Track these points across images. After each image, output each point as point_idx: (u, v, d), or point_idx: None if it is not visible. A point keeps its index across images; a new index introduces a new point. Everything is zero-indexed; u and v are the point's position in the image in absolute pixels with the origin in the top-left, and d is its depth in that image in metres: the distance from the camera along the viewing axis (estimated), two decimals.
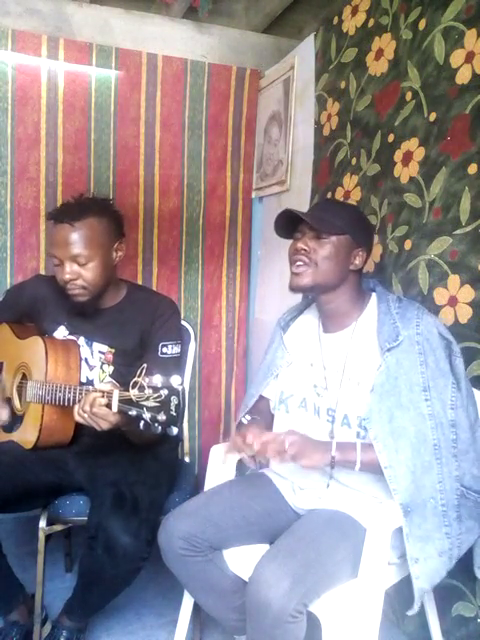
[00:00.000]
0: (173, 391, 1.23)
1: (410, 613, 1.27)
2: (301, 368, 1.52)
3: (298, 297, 1.74)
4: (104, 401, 1.33)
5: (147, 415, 1.21)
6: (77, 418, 1.39)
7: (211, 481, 1.60)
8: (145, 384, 1.23)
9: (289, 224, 1.48)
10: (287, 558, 1.21)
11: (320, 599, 1.23)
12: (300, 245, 1.43)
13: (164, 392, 1.22)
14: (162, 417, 1.21)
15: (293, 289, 1.47)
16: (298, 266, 1.43)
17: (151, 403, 1.21)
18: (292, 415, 1.52)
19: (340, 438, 1.39)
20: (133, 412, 1.23)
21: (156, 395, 1.21)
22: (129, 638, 1.79)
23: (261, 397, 1.61)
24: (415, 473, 1.25)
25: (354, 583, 1.26)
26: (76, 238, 1.58)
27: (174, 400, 1.22)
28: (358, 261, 1.45)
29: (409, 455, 1.26)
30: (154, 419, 1.21)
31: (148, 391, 1.22)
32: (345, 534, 1.30)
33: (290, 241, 1.50)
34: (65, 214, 1.60)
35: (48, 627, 1.67)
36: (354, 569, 1.26)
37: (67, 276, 1.60)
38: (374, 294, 1.48)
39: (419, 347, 1.33)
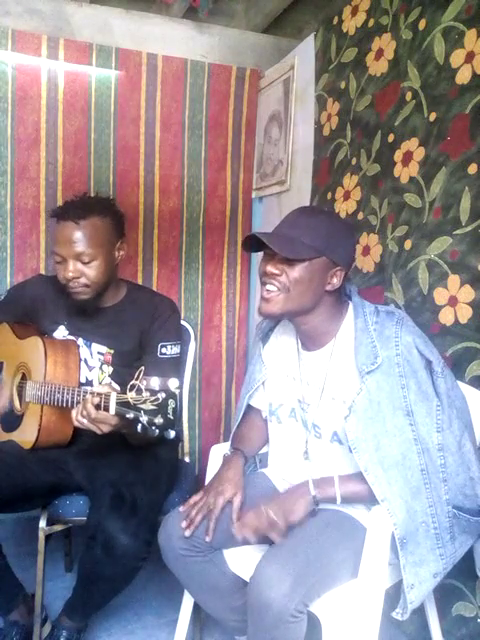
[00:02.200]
0: (170, 394, 1.22)
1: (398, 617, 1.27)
2: (285, 381, 1.50)
3: None
4: (102, 405, 1.32)
5: (144, 418, 1.21)
6: (76, 424, 1.39)
7: None
8: (142, 387, 1.23)
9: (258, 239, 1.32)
10: (288, 558, 1.21)
11: (320, 599, 1.24)
12: (269, 268, 1.30)
13: (161, 395, 1.22)
14: (159, 420, 1.20)
15: (263, 315, 1.38)
16: (268, 291, 1.32)
17: (148, 406, 1.21)
18: (285, 425, 1.51)
19: (331, 454, 1.40)
20: (130, 415, 1.23)
21: (153, 398, 1.21)
22: (129, 638, 1.79)
23: (251, 406, 1.61)
24: (407, 502, 1.23)
25: (354, 583, 1.26)
26: (80, 236, 1.58)
27: (171, 403, 1.22)
28: (335, 281, 1.33)
29: (401, 485, 1.23)
30: (151, 422, 1.20)
31: (145, 394, 1.22)
32: (345, 534, 1.30)
33: None
34: (70, 212, 1.60)
35: (48, 627, 1.67)
36: (355, 569, 1.26)
37: (70, 274, 1.60)
38: (351, 305, 1.39)
39: (399, 369, 1.27)
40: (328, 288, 1.33)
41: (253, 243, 1.36)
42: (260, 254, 1.40)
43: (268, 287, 1.32)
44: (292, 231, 1.31)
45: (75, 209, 1.60)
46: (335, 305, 1.38)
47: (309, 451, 1.44)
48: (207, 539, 1.35)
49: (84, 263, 1.60)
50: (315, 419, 1.42)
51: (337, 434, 1.38)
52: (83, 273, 1.61)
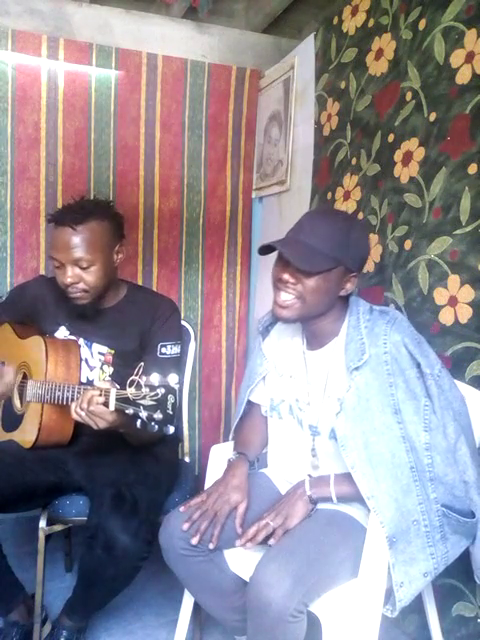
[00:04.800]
0: (170, 390, 1.22)
1: (388, 614, 1.27)
2: (284, 378, 1.51)
3: None
4: (101, 399, 1.32)
5: (144, 414, 1.21)
6: (74, 416, 1.39)
7: (211, 481, 1.59)
8: (142, 383, 1.23)
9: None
10: (288, 558, 1.20)
11: (320, 599, 1.23)
12: (286, 277, 1.29)
13: (161, 391, 1.21)
14: (158, 416, 1.20)
15: (279, 320, 1.39)
16: (284, 300, 1.31)
17: (148, 402, 1.21)
18: (285, 421, 1.51)
19: (326, 452, 1.40)
20: (130, 411, 1.23)
21: (153, 394, 1.21)
22: (129, 638, 1.79)
23: (252, 402, 1.61)
24: (398, 500, 1.22)
25: (354, 583, 1.26)
26: (78, 242, 1.57)
27: (171, 399, 1.22)
28: (349, 286, 1.33)
29: (390, 483, 1.23)
30: (151, 418, 1.20)
31: (145, 390, 1.22)
32: (346, 534, 1.30)
33: None
34: (66, 217, 1.58)
35: (48, 627, 1.67)
36: (355, 569, 1.26)
37: (68, 279, 1.59)
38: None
39: (388, 367, 1.27)
40: (342, 293, 1.34)
41: (266, 245, 1.34)
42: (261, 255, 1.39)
43: (283, 295, 1.31)
44: (310, 239, 1.29)
45: (72, 214, 1.59)
46: (344, 307, 1.40)
47: (316, 448, 1.44)
48: (211, 546, 1.35)
49: (82, 268, 1.59)
50: (311, 419, 1.43)
51: (334, 431, 1.38)
52: (82, 278, 1.60)
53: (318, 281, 1.28)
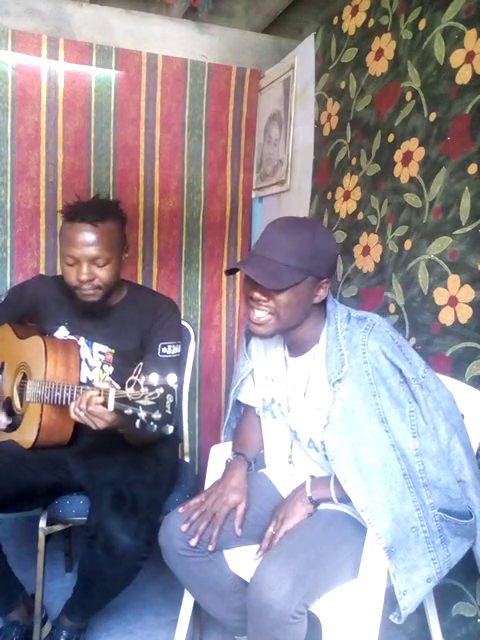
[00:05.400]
0: (168, 389, 1.22)
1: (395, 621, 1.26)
2: (267, 381, 1.51)
3: None
4: (100, 399, 1.32)
5: (142, 414, 1.20)
6: (73, 416, 1.39)
7: (211, 481, 1.59)
8: (141, 383, 1.22)
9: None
10: (289, 559, 1.20)
11: (321, 599, 1.23)
12: (257, 295, 1.29)
13: (160, 391, 1.21)
14: (157, 416, 1.20)
15: (257, 337, 1.40)
16: (258, 318, 1.31)
17: (146, 402, 1.20)
18: (279, 420, 1.51)
19: (303, 462, 1.41)
20: (129, 411, 1.23)
21: (151, 394, 1.21)
22: (129, 638, 1.79)
23: (247, 405, 1.62)
24: (394, 509, 1.20)
25: (354, 583, 1.26)
26: (97, 239, 1.56)
27: (169, 399, 1.21)
28: (322, 292, 1.33)
29: (384, 493, 1.22)
30: (149, 418, 1.20)
31: (144, 389, 1.21)
32: (346, 534, 1.30)
33: None
34: (87, 214, 1.57)
35: (48, 627, 1.67)
36: (355, 569, 1.26)
37: (84, 276, 1.58)
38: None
39: (369, 377, 1.27)
40: (315, 301, 1.34)
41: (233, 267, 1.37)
42: None
43: (257, 313, 1.31)
44: (275, 254, 1.28)
45: (92, 212, 1.58)
46: (321, 313, 1.39)
47: (292, 454, 1.46)
48: (210, 548, 1.35)
49: (99, 266, 1.59)
50: (292, 424, 1.43)
51: (313, 441, 1.39)
52: (96, 275, 1.60)
53: (289, 295, 1.28)
